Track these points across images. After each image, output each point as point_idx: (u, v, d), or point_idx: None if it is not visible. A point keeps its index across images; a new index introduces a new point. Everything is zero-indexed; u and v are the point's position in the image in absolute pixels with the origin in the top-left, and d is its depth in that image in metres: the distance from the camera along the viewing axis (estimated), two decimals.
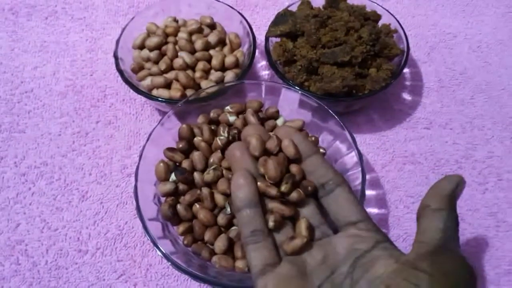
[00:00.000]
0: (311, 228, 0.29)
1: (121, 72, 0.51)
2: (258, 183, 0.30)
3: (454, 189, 0.27)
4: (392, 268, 0.25)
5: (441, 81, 0.59)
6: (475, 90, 0.58)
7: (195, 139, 0.42)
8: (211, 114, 0.44)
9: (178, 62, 0.51)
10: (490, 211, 0.49)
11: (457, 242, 0.26)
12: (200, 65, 0.51)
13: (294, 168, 0.31)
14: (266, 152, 0.31)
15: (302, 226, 0.29)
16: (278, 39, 0.53)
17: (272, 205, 0.30)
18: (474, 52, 0.62)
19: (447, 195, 0.27)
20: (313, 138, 0.44)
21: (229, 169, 0.39)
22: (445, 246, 0.25)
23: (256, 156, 0.31)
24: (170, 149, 0.42)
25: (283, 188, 0.30)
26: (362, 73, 0.49)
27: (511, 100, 0.57)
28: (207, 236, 0.38)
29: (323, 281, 0.27)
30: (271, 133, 0.33)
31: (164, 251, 0.36)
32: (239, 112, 0.44)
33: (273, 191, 0.30)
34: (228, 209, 0.36)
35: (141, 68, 0.53)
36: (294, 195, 0.30)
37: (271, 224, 0.29)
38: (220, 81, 0.51)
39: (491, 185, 0.51)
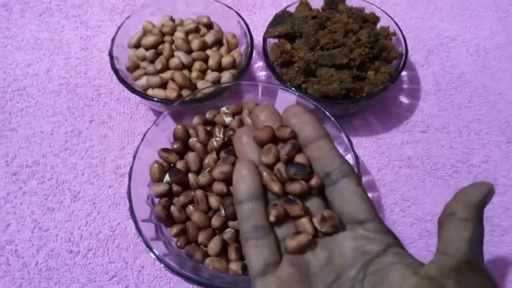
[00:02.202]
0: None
1: (116, 71, 0.50)
2: (264, 174, 0.28)
3: (484, 198, 0.25)
4: (412, 282, 0.23)
5: (439, 84, 0.59)
6: (473, 94, 0.58)
7: (190, 140, 0.42)
8: (207, 115, 0.44)
9: (174, 61, 0.50)
10: (485, 215, 0.48)
11: (482, 257, 0.24)
12: (197, 65, 0.51)
13: (300, 158, 0.28)
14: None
15: (306, 221, 0.26)
16: (276, 40, 0.53)
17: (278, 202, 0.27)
18: (471, 56, 0.62)
19: (477, 205, 0.24)
20: None
21: None
22: (471, 261, 0.23)
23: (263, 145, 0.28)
24: (164, 150, 0.41)
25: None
26: (360, 76, 0.49)
27: (508, 105, 0.57)
28: (201, 238, 0.38)
29: (329, 287, 0.25)
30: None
31: (157, 253, 0.36)
32: (235, 113, 0.44)
33: (276, 187, 0.27)
34: (223, 211, 0.36)
35: (137, 67, 0.53)
36: (296, 187, 0.27)
37: (272, 218, 0.26)
38: (217, 81, 0.50)
39: None
